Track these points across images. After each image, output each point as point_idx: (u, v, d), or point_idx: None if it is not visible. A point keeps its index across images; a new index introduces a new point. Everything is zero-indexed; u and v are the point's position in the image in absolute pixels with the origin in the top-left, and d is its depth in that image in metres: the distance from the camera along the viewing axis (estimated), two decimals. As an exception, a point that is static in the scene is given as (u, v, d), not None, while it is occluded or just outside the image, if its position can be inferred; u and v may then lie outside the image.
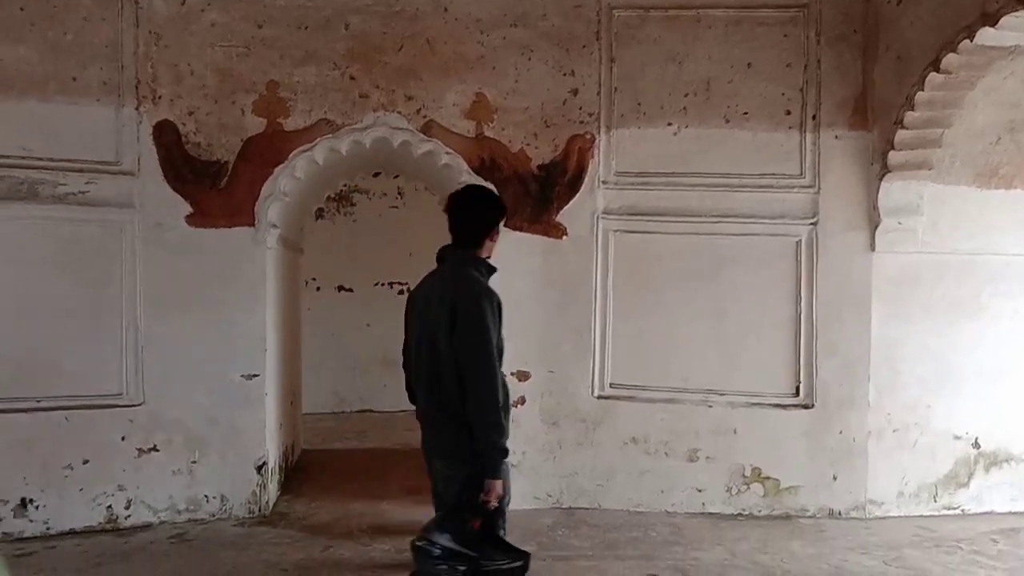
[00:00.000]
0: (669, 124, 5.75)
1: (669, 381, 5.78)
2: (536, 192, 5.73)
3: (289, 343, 6.67)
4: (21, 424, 5.07)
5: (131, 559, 4.79)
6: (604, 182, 5.79)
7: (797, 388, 5.74)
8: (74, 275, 5.22)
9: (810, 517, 5.67)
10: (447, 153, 5.66)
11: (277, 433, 5.99)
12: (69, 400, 5.19)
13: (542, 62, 5.71)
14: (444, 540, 3.05)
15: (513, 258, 5.37)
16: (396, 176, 9.09)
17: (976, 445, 5.79)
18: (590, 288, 5.79)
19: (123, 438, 5.32)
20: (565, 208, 5.75)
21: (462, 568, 3.02)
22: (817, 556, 4.94)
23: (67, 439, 5.17)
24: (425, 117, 5.64)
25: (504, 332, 3.31)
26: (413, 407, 5.11)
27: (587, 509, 5.75)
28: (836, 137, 5.68)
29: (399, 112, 5.61)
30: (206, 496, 5.48)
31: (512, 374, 5.32)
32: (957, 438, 5.78)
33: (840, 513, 5.69)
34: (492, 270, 3.26)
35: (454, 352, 3.07)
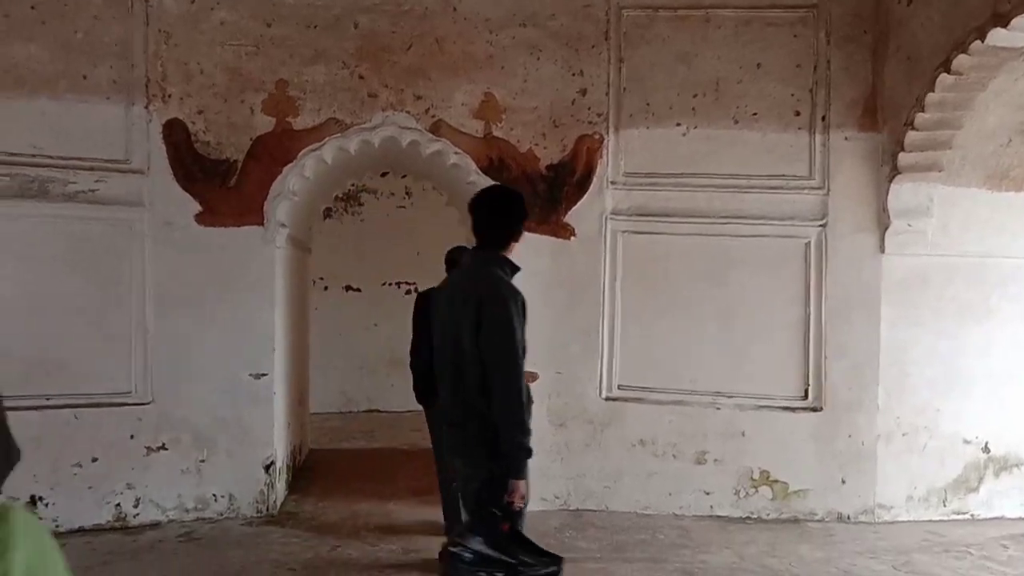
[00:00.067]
0: (678, 124, 5.74)
1: (677, 383, 5.77)
2: (544, 192, 5.72)
3: (297, 342, 6.67)
4: (31, 422, 5.08)
5: (140, 557, 4.80)
6: (613, 183, 5.78)
7: (806, 391, 5.72)
8: (84, 273, 5.23)
9: (819, 521, 5.65)
10: (455, 153, 5.66)
11: (285, 432, 6.00)
12: (78, 398, 5.21)
13: (551, 62, 5.71)
14: (476, 544, 3.03)
15: (521, 258, 5.33)
16: (404, 176, 9.10)
17: (986, 449, 5.76)
18: (598, 289, 5.78)
19: (132, 436, 5.33)
20: (573, 209, 5.74)
21: (499, 575, 3.00)
22: (826, 560, 4.91)
23: (76, 437, 5.19)
24: (434, 117, 5.64)
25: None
26: (421, 407, 5.17)
27: (594, 511, 5.74)
28: (845, 138, 5.66)
29: (408, 111, 5.61)
30: (214, 495, 5.49)
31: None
32: (967, 442, 5.75)
33: (849, 517, 5.66)
34: (516, 269, 3.26)
35: (479, 351, 3.07)
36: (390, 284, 9.80)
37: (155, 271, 5.36)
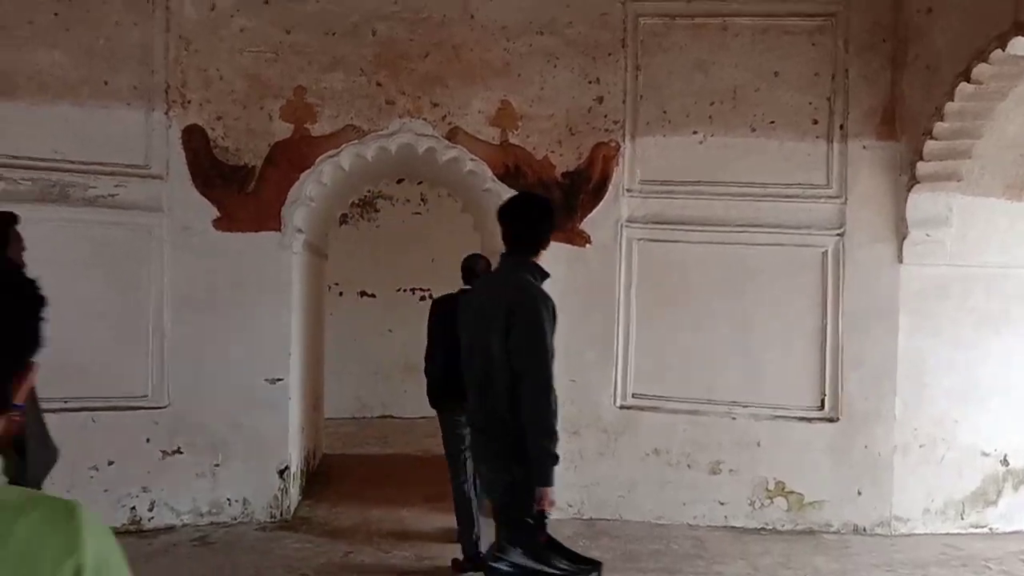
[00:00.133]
0: (695, 132, 5.73)
1: (692, 392, 5.74)
2: (560, 200, 5.70)
3: (312, 348, 6.70)
4: (48, 424, 5.10)
5: (154, 561, 4.82)
6: (628, 190, 5.78)
7: (822, 401, 5.68)
8: (103, 277, 5.27)
9: (834, 532, 5.60)
10: (472, 160, 5.68)
11: (300, 438, 6.01)
12: (96, 401, 5.24)
13: (568, 69, 5.71)
14: (516, 556, 3.03)
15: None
16: (420, 182, 9.13)
17: (1005, 462, 5.69)
18: (613, 296, 5.77)
19: (148, 440, 5.36)
20: (589, 216, 5.74)
21: None
22: (841, 572, 4.87)
23: (93, 440, 5.22)
24: (450, 124, 5.65)
25: None
26: (435, 412, 5.17)
27: (608, 520, 5.71)
28: (864, 147, 5.63)
29: (424, 119, 5.64)
30: (228, 499, 5.51)
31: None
32: (985, 455, 5.68)
33: (865, 529, 5.61)
34: (546, 275, 3.28)
35: (509, 357, 3.07)
36: (405, 290, 9.82)
37: (173, 276, 5.40)
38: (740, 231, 5.69)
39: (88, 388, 5.21)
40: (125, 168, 5.35)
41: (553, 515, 5.71)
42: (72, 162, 5.24)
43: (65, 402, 5.15)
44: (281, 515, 5.59)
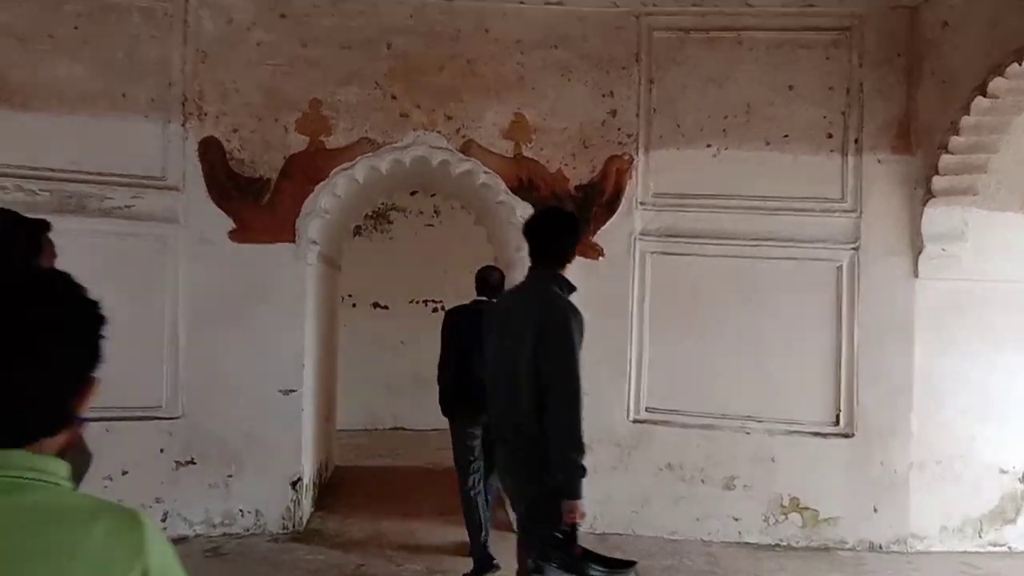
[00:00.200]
0: (709, 146, 5.72)
1: (706, 406, 5.70)
2: (573, 212, 5.71)
3: (326, 359, 6.71)
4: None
5: (166, 571, 4.81)
6: (642, 203, 5.77)
7: (837, 416, 5.63)
8: (118, 288, 5.25)
9: (850, 550, 5.54)
10: (485, 172, 5.69)
11: (312, 449, 6.01)
12: (110, 411, 5.23)
13: (581, 83, 5.73)
14: (553, 573, 3.02)
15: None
16: (433, 195, 9.15)
17: (1023, 480, 5.63)
18: (626, 310, 5.75)
19: (162, 450, 5.38)
20: (602, 229, 5.73)
21: None
22: (857, 589, 4.82)
23: (107, 450, 5.18)
24: (464, 137, 5.67)
25: None
26: (447, 420, 5.18)
27: (621, 535, 5.67)
28: (879, 161, 5.61)
29: (439, 131, 5.66)
30: (241, 510, 5.51)
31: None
32: (1003, 472, 5.62)
33: (881, 546, 5.55)
34: (572, 289, 3.29)
35: (537, 369, 3.07)
36: (417, 302, 9.84)
37: (188, 286, 5.43)
38: (754, 245, 5.67)
39: (103, 398, 5.18)
40: (142, 180, 5.40)
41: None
42: (89, 173, 5.29)
43: (80, 412, 5.19)
44: (293, 527, 5.59)
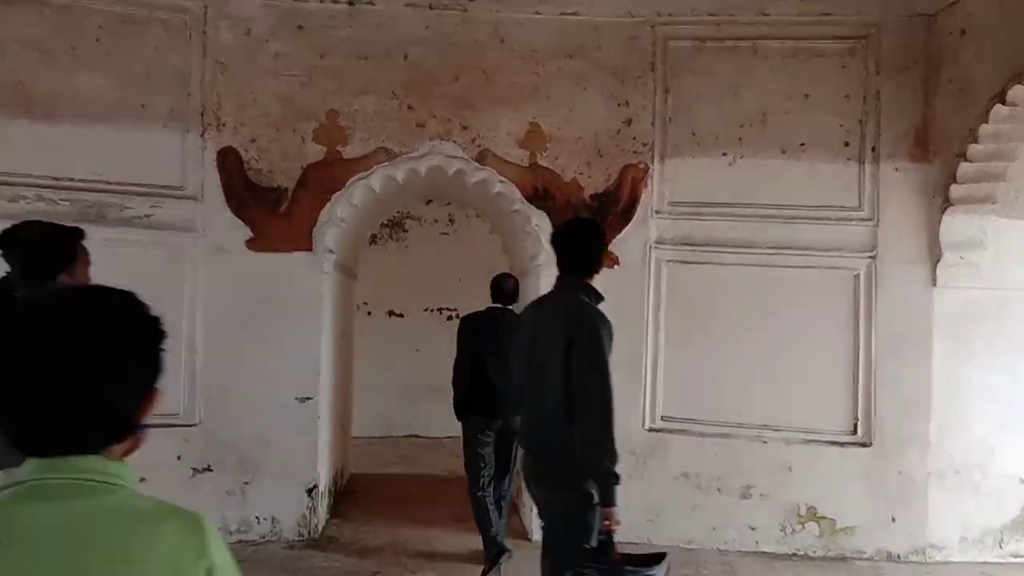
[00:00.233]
0: (724, 154, 5.72)
1: (722, 415, 5.69)
2: (589, 221, 5.73)
3: (342, 367, 6.74)
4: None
5: (183, 578, 4.84)
6: (657, 212, 5.77)
7: (855, 425, 5.60)
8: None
9: (867, 559, 5.50)
10: (500, 181, 5.71)
11: (328, 456, 6.04)
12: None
13: (597, 92, 5.74)
14: None
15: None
16: (448, 203, 9.19)
17: (1045, 491, 5.57)
18: (642, 318, 5.75)
19: (179, 457, 5.41)
20: (618, 237, 5.72)
21: None
22: (875, 600, 4.78)
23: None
24: (480, 146, 5.70)
25: None
26: (460, 423, 5.23)
27: (637, 544, 5.60)
28: (896, 169, 5.59)
29: (454, 141, 5.69)
30: (257, 517, 5.54)
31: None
32: (1023, 482, 5.57)
33: (899, 556, 5.50)
34: (600, 298, 3.31)
35: (567, 378, 3.09)
36: (432, 310, 9.86)
37: (206, 295, 5.47)
38: (770, 253, 5.66)
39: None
40: (161, 189, 5.45)
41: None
42: (109, 183, 5.34)
43: (99, 419, 5.24)
44: (309, 534, 5.61)
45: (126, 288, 1.31)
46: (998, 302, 5.54)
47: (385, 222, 9.52)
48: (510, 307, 5.35)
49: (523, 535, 5.86)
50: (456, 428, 5.47)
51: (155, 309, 1.27)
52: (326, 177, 5.61)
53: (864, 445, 5.57)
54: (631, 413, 5.71)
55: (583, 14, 5.69)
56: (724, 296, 5.70)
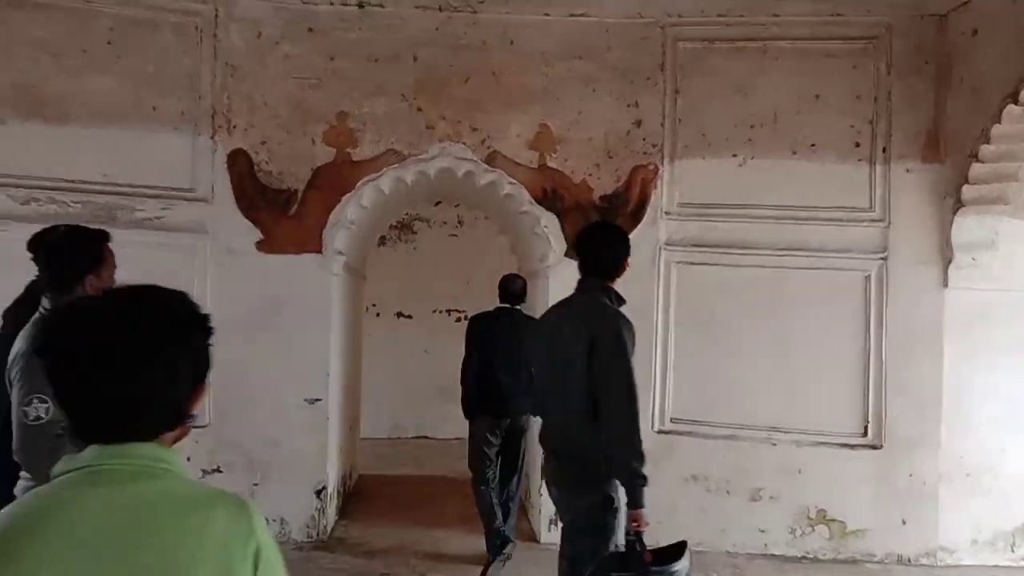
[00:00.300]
0: (734, 155, 5.70)
1: (732, 417, 5.67)
2: (598, 223, 5.72)
3: (350, 368, 6.75)
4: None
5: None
6: (667, 213, 5.76)
7: (865, 428, 5.58)
8: (148, 298, 5.36)
9: (878, 562, 5.48)
10: (510, 183, 5.71)
11: (337, 458, 6.05)
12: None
13: (606, 93, 5.74)
14: None
15: (573, 287, 5.35)
16: (457, 205, 9.20)
17: (1056, 493, 5.54)
18: (651, 320, 5.73)
19: (188, 459, 5.35)
20: (627, 238, 5.71)
21: None
22: (886, 603, 4.76)
23: (136, 457, 5.29)
24: (489, 148, 5.70)
25: None
26: (467, 420, 5.26)
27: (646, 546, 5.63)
28: (907, 170, 5.56)
29: (464, 143, 5.69)
30: (266, 518, 5.40)
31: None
32: (1035, 485, 5.54)
33: (909, 559, 5.48)
34: (622, 301, 3.32)
35: (590, 381, 3.10)
36: (441, 312, 9.86)
37: (215, 296, 5.47)
38: (781, 254, 5.64)
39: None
40: (171, 191, 5.47)
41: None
42: (120, 185, 5.37)
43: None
44: (318, 535, 5.61)
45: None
46: (1010, 304, 5.51)
47: (394, 224, 9.53)
48: (518, 307, 5.39)
49: (531, 536, 5.86)
50: (464, 430, 5.50)
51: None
52: (336, 179, 5.62)
53: (874, 447, 5.55)
54: (640, 415, 5.69)
55: (592, 15, 5.68)
56: (733, 298, 5.68)
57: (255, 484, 5.52)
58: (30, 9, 5.24)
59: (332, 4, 5.62)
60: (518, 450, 5.39)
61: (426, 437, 9.63)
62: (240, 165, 5.55)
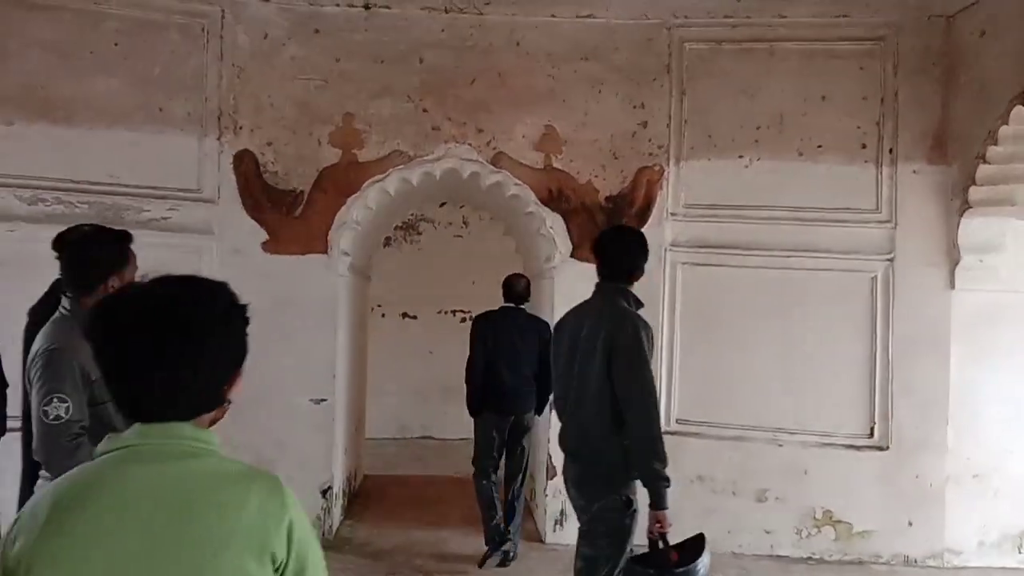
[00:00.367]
0: (740, 157, 5.70)
1: (737, 418, 5.66)
2: (603, 223, 5.68)
3: (356, 369, 6.76)
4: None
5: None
6: (673, 214, 5.76)
7: (871, 429, 5.57)
8: (154, 299, 5.37)
9: (884, 564, 5.47)
10: (515, 184, 5.71)
11: (343, 458, 6.06)
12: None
13: (612, 95, 5.73)
14: None
15: (579, 288, 5.28)
16: (462, 206, 9.19)
17: (1063, 495, 5.52)
18: (656, 321, 5.69)
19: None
20: (633, 240, 5.71)
21: None
22: (893, 605, 4.75)
23: (142, 458, 5.30)
24: (495, 149, 5.70)
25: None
26: (472, 419, 5.29)
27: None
28: (914, 171, 5.55)
29: (469, 144, 5.69)
30: (272, 518, 5.53)
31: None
32: (1043, 486, 5.52)
33: (916, 561, 5.47)
34: (640, 304, 3.33)
35: (610, 382, 3.11)
36: (446, 312, 9.87)
37: (222, 297, 5.48)
38: (787, 256, 5.63)
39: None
40: (178, 192, 5.48)
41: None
42: (127, 186, 5.37)
43: (117, 421, 5.28)
44: (323, 535, 5.62)
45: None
46: (1017, 305, 5.50)
47: (399, 224, 9.54)
48: (522, 307, 5.41)
49: (537, 537, 5.87)
50: (469, 430, 5.51)
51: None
52: (342, 180, 5.63)
53: (881, 448, 5.54)
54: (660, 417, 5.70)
55: (598, 17, 5.68)
56: (739, 299, 5.68)
57: (261, 484, 5.52)
58: (37, 10, 5.25)
59: (338, 5, 5.63)
60: (522, 448, 5.41)
61: (431, 437, 9.64)
62: (246, 166, 5.56)
